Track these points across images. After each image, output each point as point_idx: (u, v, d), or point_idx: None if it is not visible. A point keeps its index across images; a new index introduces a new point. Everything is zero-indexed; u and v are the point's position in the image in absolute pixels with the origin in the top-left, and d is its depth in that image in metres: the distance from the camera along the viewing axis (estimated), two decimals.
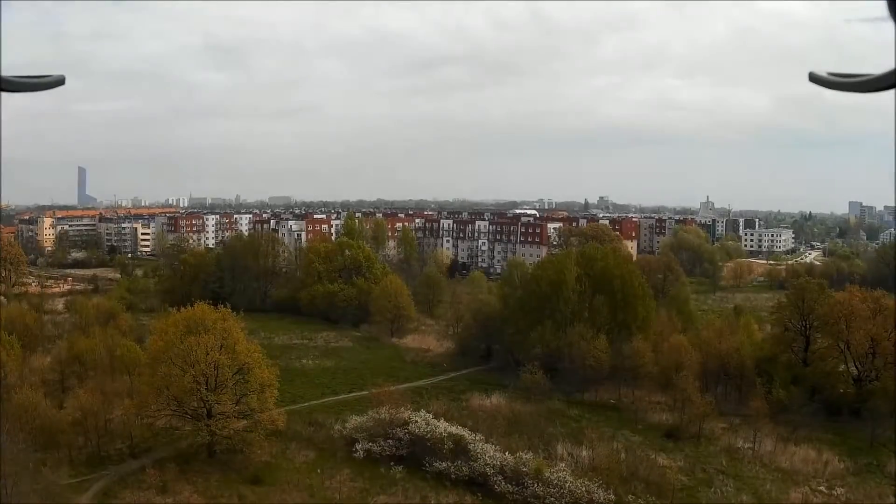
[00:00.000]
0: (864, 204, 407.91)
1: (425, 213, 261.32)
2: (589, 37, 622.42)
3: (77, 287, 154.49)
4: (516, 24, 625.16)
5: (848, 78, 3.38)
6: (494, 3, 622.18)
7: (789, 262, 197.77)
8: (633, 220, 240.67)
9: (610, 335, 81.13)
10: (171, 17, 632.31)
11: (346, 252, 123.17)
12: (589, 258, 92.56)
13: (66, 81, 3.63)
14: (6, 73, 3.53)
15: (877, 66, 3.16)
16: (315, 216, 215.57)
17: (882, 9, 3.02)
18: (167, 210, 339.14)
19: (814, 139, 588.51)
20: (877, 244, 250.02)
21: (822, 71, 3.50)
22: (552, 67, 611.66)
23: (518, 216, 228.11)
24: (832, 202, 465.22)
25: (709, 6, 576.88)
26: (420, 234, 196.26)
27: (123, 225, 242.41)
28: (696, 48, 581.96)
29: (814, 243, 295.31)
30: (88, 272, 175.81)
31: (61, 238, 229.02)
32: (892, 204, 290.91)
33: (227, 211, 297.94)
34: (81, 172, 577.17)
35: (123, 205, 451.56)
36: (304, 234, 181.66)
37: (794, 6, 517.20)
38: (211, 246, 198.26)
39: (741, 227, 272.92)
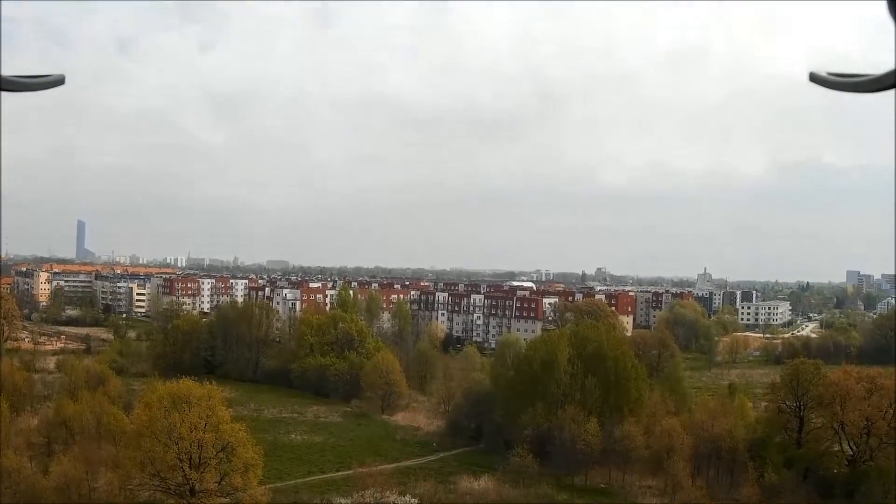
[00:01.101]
0: (861, 272, 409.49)
1: (422, 283, 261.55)
2: (588, 97, 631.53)
3: (70, 346, 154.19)
4: (516, 84, 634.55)
5: (848, 78, 3.43)
6: (493, 62, 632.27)
7: (785, 336, 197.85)
8: (630, 294, 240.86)
9: (602, 417, 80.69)
10: (173, 71, 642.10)
11: (339, 325, 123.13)
12: (582, 338, 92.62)
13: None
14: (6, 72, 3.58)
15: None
16: (311, 285, 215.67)
17: (882, 9, 3.06)
18: (164, 270, 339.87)
19: (811, 204, 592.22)
20: (874, 313, 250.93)
21: (822, 71, 3.55)
22: (550, 130, 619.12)
23: (514, 289, 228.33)
24: (830, 271, 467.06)
25: (708, 69, 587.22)
26: (415, 307, 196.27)
27: (119, 284, 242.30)
28: (694, 111, 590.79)
29: (811, 314, 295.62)
30: (82, 330, 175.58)
31: (57, 294, 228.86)
32: (890, 272, 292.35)
33: (224, 274, 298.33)
34: (80, 226, 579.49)
35: (121, 261, 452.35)
36: (298, 304, 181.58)
37: (793, 69, 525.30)
38: (206, 310, 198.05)
39: (738, 300, 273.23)
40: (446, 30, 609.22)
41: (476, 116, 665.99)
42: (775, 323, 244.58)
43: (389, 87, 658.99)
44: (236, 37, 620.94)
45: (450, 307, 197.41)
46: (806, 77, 3.51)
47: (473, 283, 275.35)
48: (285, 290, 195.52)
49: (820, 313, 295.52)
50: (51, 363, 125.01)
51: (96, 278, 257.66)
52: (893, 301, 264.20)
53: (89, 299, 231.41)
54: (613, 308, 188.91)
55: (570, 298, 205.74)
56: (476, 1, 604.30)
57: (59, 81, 3.90)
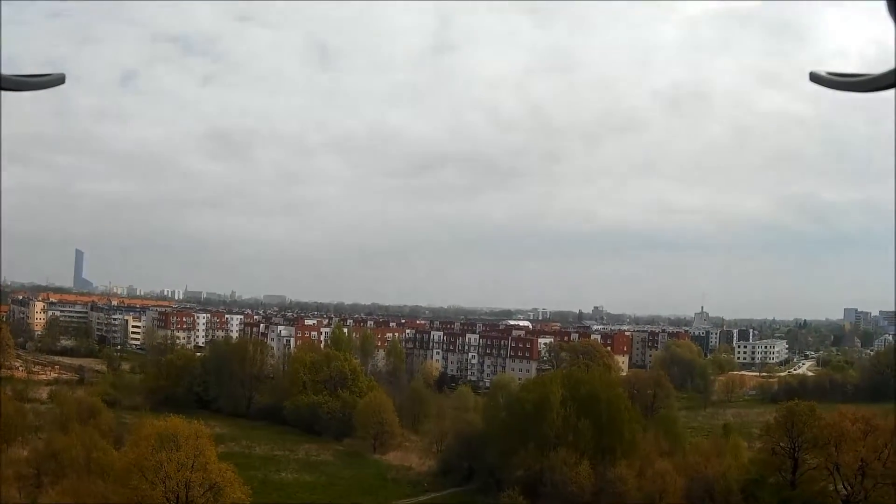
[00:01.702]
0: (859, 310, 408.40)
1: (418, 321, 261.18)
2: (588, 138, 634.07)
3: (63, 376, 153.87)
4: (517, 124, 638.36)
5: (848, 78, 3.51)
6: (494, 101, 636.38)
7: (781, 375, 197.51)
8: (626, 334, 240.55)
9: (594, 459, 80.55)
10: (174, 104, 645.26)
11: (333, 363, 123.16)
12: (575, 380, 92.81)
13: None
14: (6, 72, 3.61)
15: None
16: (306, 321, 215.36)
17: (882, 9, 3.12)
18: (161, 303, 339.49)
19: (810, 241, 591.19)
20: (871, 350, 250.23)
21: (822, 71, 3.62)
22: (551, 169, 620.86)
23: (509, 329, 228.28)
24: (828, 308, 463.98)
25: (708, 107, 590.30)
26: (410, 345, 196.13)
27: (115, 316, 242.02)
28: (694, 149, 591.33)
29: (808, 352, 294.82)
30: (76, 361, 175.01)
31: (52, 324, 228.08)
32: (888, 308, 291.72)
33: (220, 309, 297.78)
34: (79, 255, 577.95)
35: (118, 292, 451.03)
36: (293, 340, 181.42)
37: (793, 106, 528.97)
38: (201, 344, 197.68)
39: (735, 339, 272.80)
40: (447, 70, 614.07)
41: (476, 156, 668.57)
42: (772, 361, 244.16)
43: (389, 126, 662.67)
44: (237, 72, 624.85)
45: (445, 346, 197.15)
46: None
47: (469, 322, 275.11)
48: (280, 327, 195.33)
49: (817, 351, 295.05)
50: (44, 393, 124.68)
51: (92, 309, 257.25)
52: (891, 338, 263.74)
53: (84, 330, 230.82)
54: (609, 348, 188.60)
55: (565, 338, 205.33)
56: (478, 44, 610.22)
57: (59, 81, 3.91)
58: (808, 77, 3.76)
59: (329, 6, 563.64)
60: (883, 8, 3.13)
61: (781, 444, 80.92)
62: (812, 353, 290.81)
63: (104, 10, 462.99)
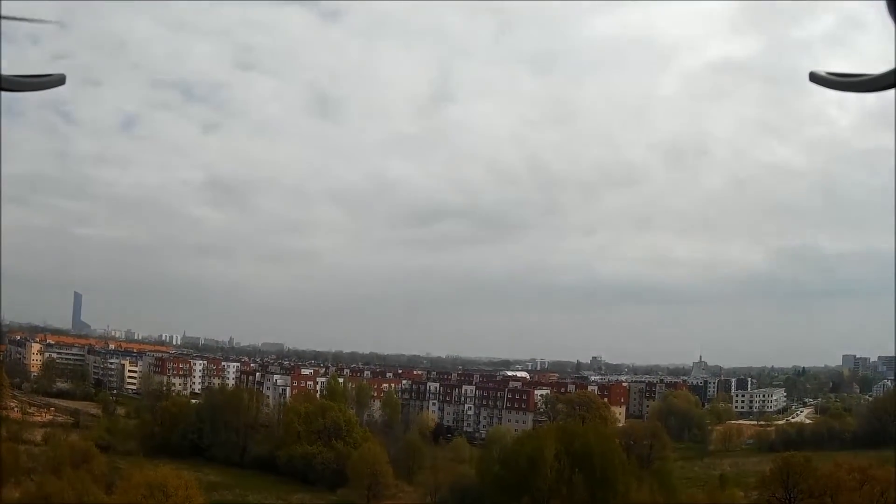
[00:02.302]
0: (858, 356, 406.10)
1: (414, 372, 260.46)
2: (588, 190, 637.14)
3: (59, 418, 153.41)
4: (516, 175, 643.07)
5: (848, 78, 3.62)
6: (494, 152, 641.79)
7: (779, 423, 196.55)
8: (623, 385, 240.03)
9: None
10: (174, 151, 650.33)
11: (328, 414, 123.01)
12: (570, 434, 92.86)
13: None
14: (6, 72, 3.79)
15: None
16: (302, 371, 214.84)
17: (882, 9, 3.25)
18: (159, 348, 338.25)
19: (809, 290, 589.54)
20: (870, 396, 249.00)
21: (822, 70, 3.74)
22: (550, 221, 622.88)
23: (506, 380, 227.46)
24: (826, 355, 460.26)
25: (706, 158, 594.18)
26: (407, 396, 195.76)
27: (111, 360, 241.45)
28: (693, 201, 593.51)
29: (806, 400, 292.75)
30: (72, 404, 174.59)
31: (48, 365, 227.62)
32: (887, 353, 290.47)
33: (217, 356, 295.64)
34: (77, 298, 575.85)
35: (116, 336, 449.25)
36: (289, 389, 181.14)
37: (792, 156, 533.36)
38: (197, 391, 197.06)
39: (733, 387, 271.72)
40: (446, 120, 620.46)
41: (475, 208, 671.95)
42: (770, 410, 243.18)
43: (389, 177, 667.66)
44: (237, 119, 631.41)
45: (441, 397, 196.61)
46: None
47: (466, 373, 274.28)
48: (276, 376, 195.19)
49: (815, 398, 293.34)
50: (38, 435, 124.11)
51: (89, 352, 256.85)
52: (890, 383, 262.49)
53: (80, 373, 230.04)
54: (606, 399, 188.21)
55: (562, 389, 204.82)
56: (477, 94, 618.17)
57: (59, 81, 4.02)
58: (808, 78, 3.89)
59: (330, 55, 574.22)
60: (883, 8, 3.28)
61: (777, 495, 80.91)
62: (810, 400, 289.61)
63: (106, 53, 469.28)
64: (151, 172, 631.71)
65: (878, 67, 3.46)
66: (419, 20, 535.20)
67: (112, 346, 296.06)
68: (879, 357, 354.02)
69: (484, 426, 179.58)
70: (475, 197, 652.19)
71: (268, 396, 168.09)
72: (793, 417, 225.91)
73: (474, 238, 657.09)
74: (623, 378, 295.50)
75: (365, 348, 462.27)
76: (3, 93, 3.77)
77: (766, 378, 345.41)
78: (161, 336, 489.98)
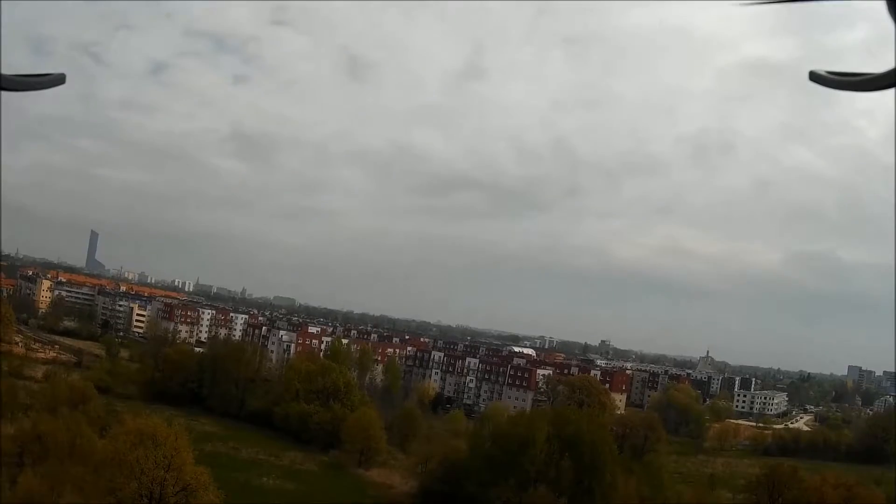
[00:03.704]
0: (863, 368, 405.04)
1: (421, 339, 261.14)
2: (610, 176, 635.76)
3: (62, 357, 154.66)
4: (540, 155, 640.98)
5: (848, 77, 3.54)
6: (519, 130, 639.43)
7: (777, 427, 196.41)
8: (626, 372, 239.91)
9: (573, 499, 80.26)
10: (201, 100, 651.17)
11: (328, 375, 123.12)
12: (563, 418, 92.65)
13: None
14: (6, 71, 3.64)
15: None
16: (309, 329, 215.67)
17: (882, 9, 3.15)
18: (170, 293, 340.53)
19: (822, 297, 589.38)
20: (871, 410, 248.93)
21: (822, 70, 3.67)
22: (570, 203, 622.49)
23: (510, 356, 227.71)
24: (833, 363, 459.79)
25: (731, 157, 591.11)
26: (410, 363, 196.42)
27: (120, 303, 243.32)
28: (714, 198, 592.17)
29: (807, 406, 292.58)
30: (77, 343, 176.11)
31: (57, 303, 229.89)
32: (891, 369, 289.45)
33: (227, 306, 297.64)
34: (93, 237, 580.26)
35: (129, 278, 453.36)
36: (293, 346, 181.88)
37: (817, 165, 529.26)
38: (203, 339, 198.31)
39: (737, 386, 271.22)
40: (475, 96, 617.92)
41: (496, 182, 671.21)
42: (770, 413, 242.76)
43: (413, 145, 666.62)
44: (267, 74, 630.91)
45: (444, 367, 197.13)
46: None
47: (473, 345, 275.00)
48: (282, 332, 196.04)
49: (817, 405, 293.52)
50: (39, 372, 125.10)
51: (99, 293, 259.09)
52: (891, 399, 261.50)
53: (88, 313, 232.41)
54: (607, 385, 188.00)
55: (565, 371, 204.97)
56: (509, 73, 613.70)
57: (59, 81, 3.89)
58: (808, 77, 3.80)
59: (367, 19, 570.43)
60: (883, 8, 3.17)
61: (762, 501, 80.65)
62: (812, 407, 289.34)
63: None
64: (177, 120, 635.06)
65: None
66: None
67: (123, 288, 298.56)
68: (885, 372, 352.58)
69: (484, 400, 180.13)
70: (497, 173, 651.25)
71: (272, 352, 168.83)
72: (792, 423, 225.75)
73: (493, 212, 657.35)
74: (628, 365, 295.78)
75: (376, 310, 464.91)
76: (9, 90, 3.63)
77: (770, 380, 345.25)
78: (174, 281, 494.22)
